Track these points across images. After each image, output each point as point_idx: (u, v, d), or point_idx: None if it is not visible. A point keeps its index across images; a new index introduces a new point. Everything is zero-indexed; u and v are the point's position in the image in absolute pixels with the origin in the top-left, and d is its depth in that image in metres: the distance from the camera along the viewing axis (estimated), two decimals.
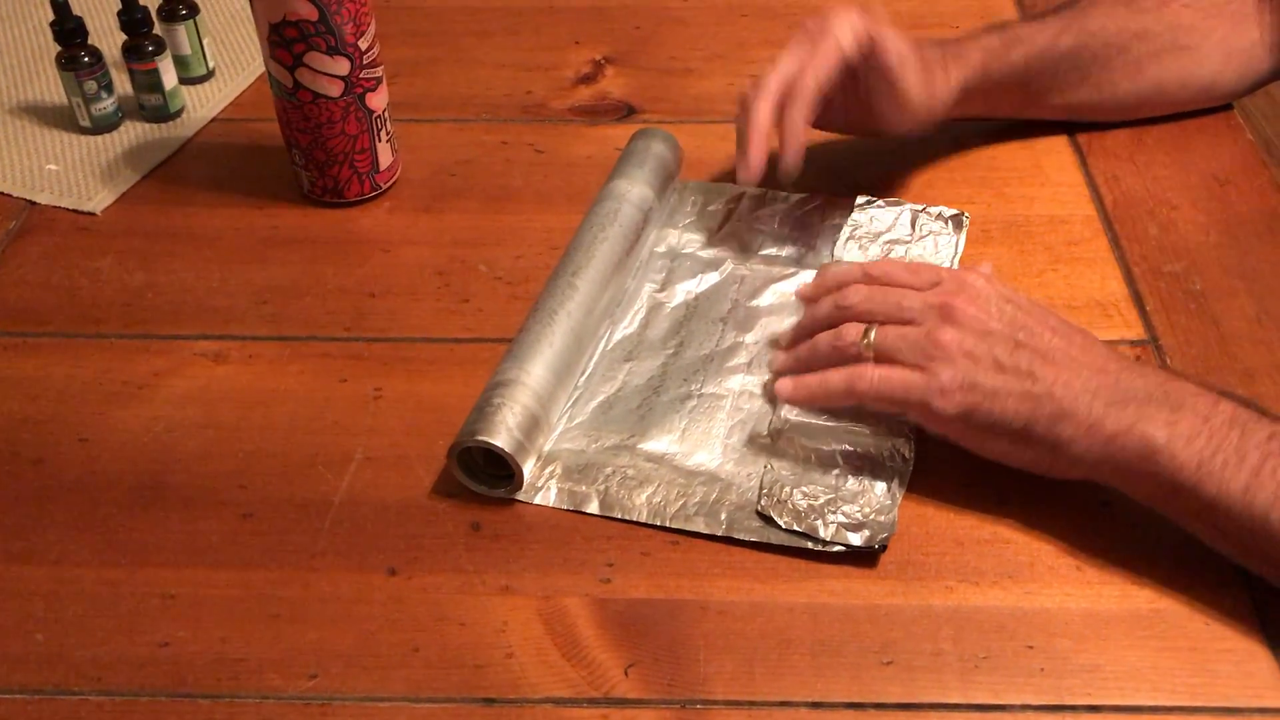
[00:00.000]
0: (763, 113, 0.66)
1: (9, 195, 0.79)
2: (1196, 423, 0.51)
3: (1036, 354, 0.55)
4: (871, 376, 0.56)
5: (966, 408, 0.54)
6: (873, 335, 0.57)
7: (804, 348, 0.61)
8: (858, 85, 0.69)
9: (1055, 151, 0.80)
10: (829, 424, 0.60)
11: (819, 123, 0.70)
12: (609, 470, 0.59)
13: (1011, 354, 0.55)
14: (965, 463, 0.59)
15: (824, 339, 0.60)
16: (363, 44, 0.72)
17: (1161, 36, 0.77)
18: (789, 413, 0.61)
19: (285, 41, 0.70)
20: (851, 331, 0.58)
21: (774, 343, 0.65)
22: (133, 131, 0.85)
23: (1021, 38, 0.75)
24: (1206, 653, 0.51)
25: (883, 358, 0.57)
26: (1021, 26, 0.76)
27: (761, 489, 0.57)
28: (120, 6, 0.82)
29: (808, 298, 0.64)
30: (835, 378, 0.58)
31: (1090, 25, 0.76)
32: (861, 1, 0.69)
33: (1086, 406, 0.53)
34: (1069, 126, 0.81)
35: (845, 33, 0.66)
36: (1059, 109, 0.79)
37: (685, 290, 0.69)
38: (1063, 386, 0.53)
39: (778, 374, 0.61)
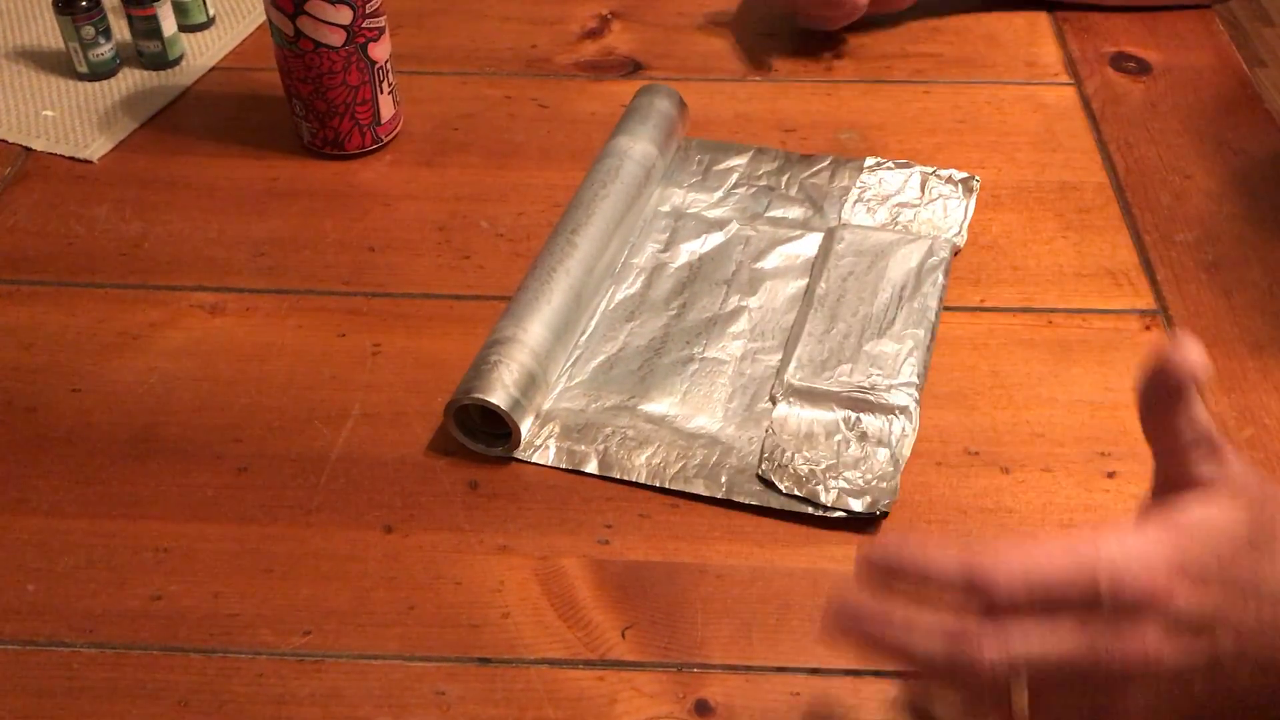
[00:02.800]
0: None
1: (4, 141, 0.78)
2: None
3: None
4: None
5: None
6: (1024, 698, 0.38)
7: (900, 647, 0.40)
8: None
9: (1068, 117, 0.79)
10: (833, 389, 0.59)
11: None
12: (608, 430, 0.58)
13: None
14: (969, 431, 0.58)
15: (939, 656, 0.39)
16: None
17: None
18: (793, 377, 0.60)
19: None
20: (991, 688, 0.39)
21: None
22: (131, 79, 0.83)
23: None
24: None
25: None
26: None
27: (763, 453, 0.57)
28: None
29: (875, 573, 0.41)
30: None
31: None
32: None
33: None
34: (1083, 92, 0.80)
35: None
36: None
37: (689, 250, 0.68)
38: None
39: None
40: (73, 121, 0.79)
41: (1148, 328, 0.64)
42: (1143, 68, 0.83)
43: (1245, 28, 2.38)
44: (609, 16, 0.89)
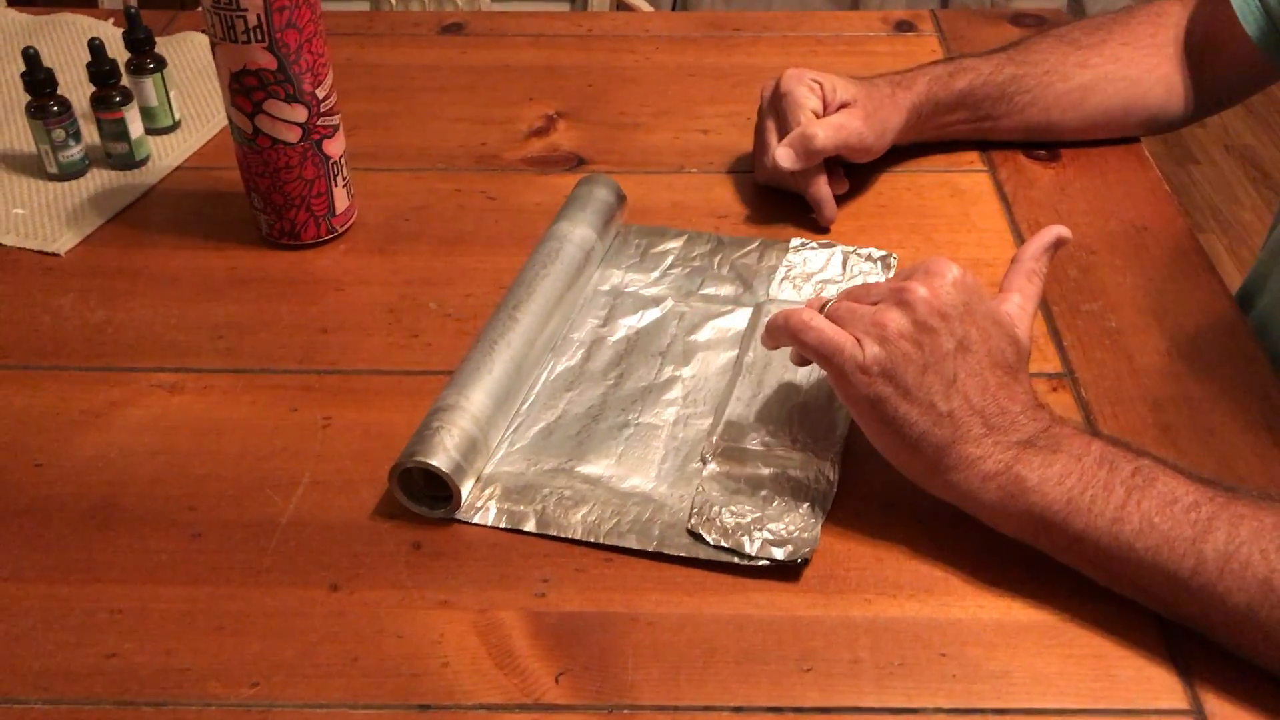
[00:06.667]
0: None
1: None
2: (1070, 463, 0.55)
3: (962, 370, 0.57)
4: (815, 326, 0.58)
5: (878, 396, 0.57)
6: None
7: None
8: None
9: (983, 201, 0.84)
10: (759, 449, 0.63)
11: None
12: (546, 491, 0.61)
13: (940, 361, 0.56)
14: (887, 486, 0.61)
15: None
16: (320, 93, 0.75)
17: (1103, 66, 0.86)
18: (722, 439, 0.63)
19: (245, 89, 0.73)
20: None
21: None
22: (99, 178, 0.88)
23: (966, 67, 0.86)
24: (1109, 659, 0.54)
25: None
26: (967, 59, 0.87)
27: (692, 509, 0.60)
28: (90, 58, 0.85)
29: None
30: (793, 317, 0.59)
31: (1031, 56, 0.86)
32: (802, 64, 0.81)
33: (976, 441, 0.56)
34: (996, 178, 0.86)
35: (807, 97, 0.80)
36: (1013, 130, 0.87)
37: (627, 325, 0.73)
38: (964, 412, 0.56)
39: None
40: (42, 218, 0.83)
41: (1055, 389, 0.68)
42: (1052, 155, 0.88)
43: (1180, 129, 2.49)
44: (555, 116, 0.95)
